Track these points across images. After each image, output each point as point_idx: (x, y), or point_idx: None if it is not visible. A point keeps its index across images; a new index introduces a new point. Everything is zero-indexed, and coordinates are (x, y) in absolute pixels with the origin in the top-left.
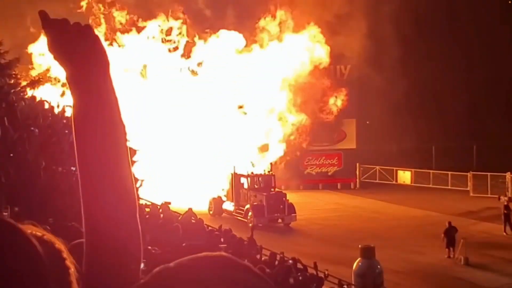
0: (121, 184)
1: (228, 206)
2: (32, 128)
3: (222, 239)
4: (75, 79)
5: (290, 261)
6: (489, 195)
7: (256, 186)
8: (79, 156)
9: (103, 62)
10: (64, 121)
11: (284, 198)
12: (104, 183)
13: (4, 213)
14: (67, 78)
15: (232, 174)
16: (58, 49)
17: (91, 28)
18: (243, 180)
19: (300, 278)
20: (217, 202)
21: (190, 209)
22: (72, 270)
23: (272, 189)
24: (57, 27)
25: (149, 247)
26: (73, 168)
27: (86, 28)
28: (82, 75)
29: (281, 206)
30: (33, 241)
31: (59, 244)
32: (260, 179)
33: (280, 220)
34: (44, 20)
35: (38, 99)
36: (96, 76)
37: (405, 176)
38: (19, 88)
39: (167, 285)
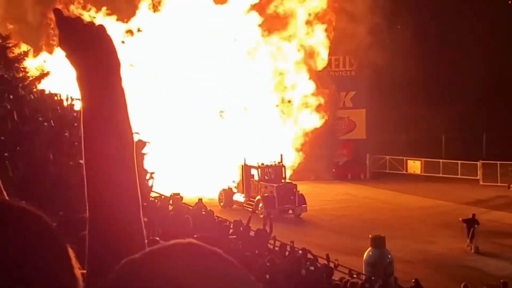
0: (125, 185)
1: (239, 197)
2: (40, 119)
3: (231, 230)
4: (85, 79)
5: (300, 252)
6: (499, 184)
7: (266, 177)
8: (85, 153)
9: (114, 63)
10: (74, 114)
11: (294, 189)
12: (109, 182)
13: None
14: (77, 77)
15: (242, 165)
16: (70, 47)
17: (104, 29)
18: (253, 171)
19: (311, 268)
20: (227, 194)
21: (200, 200)
22: (79, 277)
23: (283, 180)
24: (70, 25)
25: (157, 238)
26: (81, 162)
27: (99, 28)
28: (92, 75)
29: (292, 197)
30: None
31: (71, 253)
32: (270, 170)
33: (290, 211)
34: (58, 18)
35: (47, 92)
36: (106, 76)
37: (415, 166)
38: (28, 81)
39: (132, 279)
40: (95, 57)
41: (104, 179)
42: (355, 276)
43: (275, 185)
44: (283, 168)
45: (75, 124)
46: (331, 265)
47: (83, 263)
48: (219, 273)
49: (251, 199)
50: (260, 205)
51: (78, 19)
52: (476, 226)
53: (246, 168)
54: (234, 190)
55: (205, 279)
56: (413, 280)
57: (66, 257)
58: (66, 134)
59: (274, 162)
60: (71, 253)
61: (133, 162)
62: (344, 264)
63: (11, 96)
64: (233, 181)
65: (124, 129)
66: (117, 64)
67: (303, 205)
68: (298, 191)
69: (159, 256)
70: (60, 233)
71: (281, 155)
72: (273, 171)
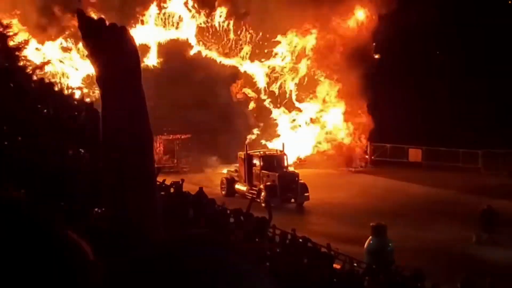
0: (148, 185)
1: (241, 186)
2: (39, 106)
3: (232, 219)
4: (105, 79)
5: (301, 240)
6: (500, 172)
7: (268, 166)
8: (104, 150)
9: (134, 65)
10: (75, 102)
11: (296, 178)
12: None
13: None
14: (97, 77)
15: (244, 154)
16: (92, 48)
17: (127, 31)
18: (255, 160)
19: (311, 256)
20: (229, 183)
21: (201, 189)
22: (94, 268)
23: (285, 169)
24: (93, 27)
25: None
26: (82, 151)
27: (122, 30)
28: (113, 76)
29: (294, 186)
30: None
31: (85, 246)
32: (272, 158)
33: (292, 200)
34: (81, 19)
35: (46, 81)
36: (126, 77)
37: (416, 154)
38: (28, 70)
39: (159, 261)
40: (116, 59)
41: (123, 167)
42: (355, 264)
43: (277, 174)
44: (285, 157)
45: (76, 113)
46: (332, 253)
47: None
48: (229, 262)
49: (253, 188)
50: (262, 194)
51: (101, 20)
52: (496, 217)
53: (248, 157)
54: (236, 179)
55: (221, 267)
56: (414, 269)
57: (74, 249)
58: (66, 123)
59: (276, 150)
60: (92, 256)
61: (151, 154)
62: (345, 252)
63: (11, 85)
64: (235, 170)
65: (143, 126)
66: (138, 65)
67: (305, 194)
68: (300, 179)
69: (182, 241)
70: (61, 223)
71: (283, 144)
72: (275, 160)
